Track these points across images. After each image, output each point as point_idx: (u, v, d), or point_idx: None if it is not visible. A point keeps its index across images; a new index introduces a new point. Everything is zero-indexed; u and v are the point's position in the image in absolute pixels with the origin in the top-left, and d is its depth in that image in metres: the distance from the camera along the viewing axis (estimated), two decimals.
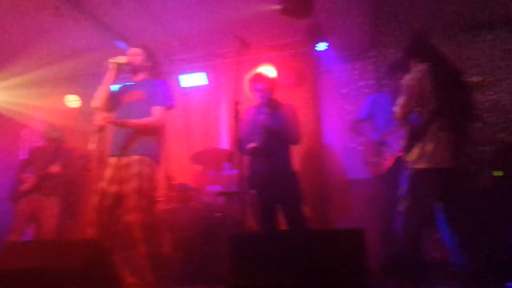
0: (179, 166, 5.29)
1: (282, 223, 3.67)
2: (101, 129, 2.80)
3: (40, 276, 2.04)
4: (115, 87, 3.19)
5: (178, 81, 5.54)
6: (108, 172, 2.98)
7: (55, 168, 4.28)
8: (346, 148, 4.96)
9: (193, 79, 5.55)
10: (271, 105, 3.52)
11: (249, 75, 3.58)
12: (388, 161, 3.66)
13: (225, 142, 5.55)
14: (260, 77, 3.59)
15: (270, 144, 3.39)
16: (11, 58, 5.08)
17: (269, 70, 5.15)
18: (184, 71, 5.58)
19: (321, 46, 5.03)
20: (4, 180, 4.75)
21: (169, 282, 3.08)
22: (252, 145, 3.36)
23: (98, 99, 3.05)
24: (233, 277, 1.79)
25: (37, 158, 4.48)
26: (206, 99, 5.71)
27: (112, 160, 3.02)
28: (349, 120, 4.27)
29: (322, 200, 4.90)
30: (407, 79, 2.90)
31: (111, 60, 3.05)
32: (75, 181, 4.85)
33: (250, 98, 3.57)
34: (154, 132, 3.09)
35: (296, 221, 3.36)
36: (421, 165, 2.78)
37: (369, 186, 4.23)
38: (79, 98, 5.88)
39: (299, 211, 3.42)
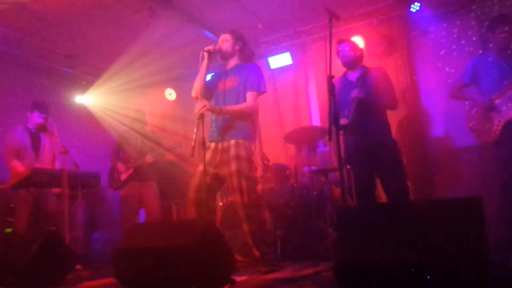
0: (273, 147, 5.40)
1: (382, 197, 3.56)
2: (201, 116, 2.95)
3: (159, 254, 2.25)
4: (210, 77, 3.33)
5: (267, 64, 5.59)
6: (208, 156, 3.15)
7: (149, 159, 4.50)
8: (450, 115, 4.60)
9: (280, 60, 5.57)
10: (358, 72, 3.40)
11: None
12: (499, 126, 3.31)
13: (316, 119, 5.51)
14: (342, 39, 3.52)
15: (363, 115, 3.25)
16: (113, 60, 5.56)
17: (357, 41, 4.96)
18: (271, 53, 5.62)
19: (414, 7, 4.69)
20: None
21: (273, 258, 3.18)
22: (344, 121, 3.23)
23: (195, 89, 3.21)
24: (340, 251, 1.78)
25: (126, 143, 4.66)
26: (294, 78, 5.69)
27: (211, 145, 3.20)
28: (451, 85, 3.91)
29: (425, 171, 4.65)
30: None
31: (203, 50, 3.16)
32: (169, 166, 5.12)
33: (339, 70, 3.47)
34: (249, 116, 3.20)
35: (397, 193, 3.21)
36: None
37: (479, 154, 3.89)
38: (175, 91, 6.28)
39: (400, 182, 3.26)
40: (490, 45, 3.63)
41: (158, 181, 4.68)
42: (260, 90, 3.20)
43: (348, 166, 3.34)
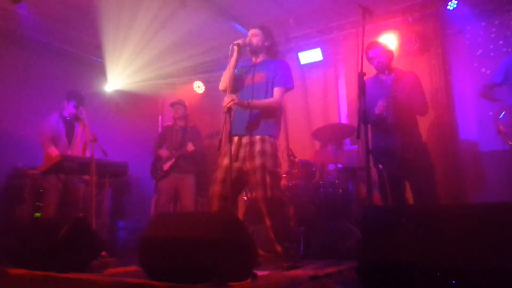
0: (299, 143, 5.35)
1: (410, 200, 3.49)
2: (229, 110, 2.95)
3: (183, 244, 2.27)
4: (237, 70, 3.32)
5: (297, 59, 5.54)
6: (232, 150, 3.14)
7: (190, 147, 4.60)
8: (484, 117, 4.43)
9: (310, 56, 5.51)
10: (390, 74, 3.37)
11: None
12: None
13: (345, 116, 5.43)
14: (373, 44, 3.44)
15: (398, 116, 3.24)
16: (141, 51, 5.62)
17: (390, 38, 4.84)
18: (301, 48, 5.56)
19: (451, 5, 4.54)
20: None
21: (295, 255, 3.15)
22: (382, 116, 3.21)
23: (224, 82, 3.21)
24: (364, 251, 1.75)
25: (168, 136, 4.84)
26: (324, 74, 5.63)
27: (234, 138, 3.17)
28: (482, 85, 3.79)
29: (455, 175, 4.51)
30: None
31: (233, 43, 3.15)
32: (204, 158, 5.20)
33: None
34: (274, 112, 3.19)
35: (426, 197, 3.19)
36: None
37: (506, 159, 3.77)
38: (203, 84, 6.31)
39: (430, 187, 3.24)
40: None
41: (196, 173, 4.80)
42: (287, 86, 3.19)
43: (381, 166, 3.29)
